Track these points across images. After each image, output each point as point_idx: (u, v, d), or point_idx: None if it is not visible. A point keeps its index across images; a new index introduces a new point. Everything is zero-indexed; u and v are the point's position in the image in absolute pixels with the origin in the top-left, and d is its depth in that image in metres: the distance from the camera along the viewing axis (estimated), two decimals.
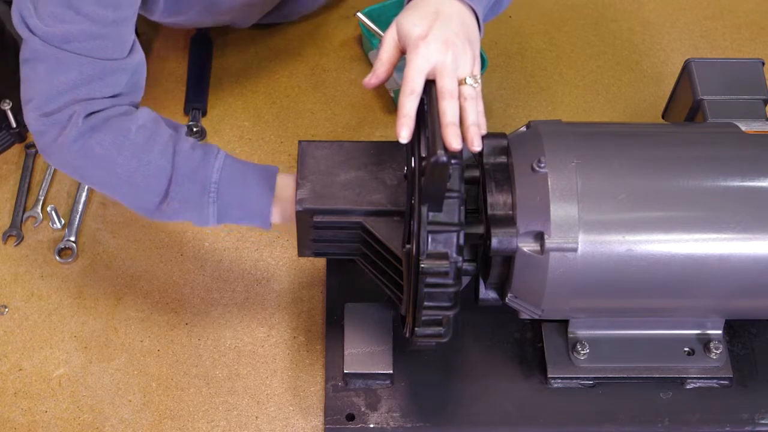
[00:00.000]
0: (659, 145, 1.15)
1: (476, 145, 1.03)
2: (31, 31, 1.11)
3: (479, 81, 1.06)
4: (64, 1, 1.10)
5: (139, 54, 1.17)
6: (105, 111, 1.14)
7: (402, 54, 1.09)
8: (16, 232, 1.41)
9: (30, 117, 1.14)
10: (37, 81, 1.13)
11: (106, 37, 1.12)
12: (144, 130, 1.14)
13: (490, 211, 1.10)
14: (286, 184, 1.15)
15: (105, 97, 1.14)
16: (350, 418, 1.22)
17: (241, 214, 1.17)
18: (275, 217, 1.17)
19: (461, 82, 1.05)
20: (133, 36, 1.16)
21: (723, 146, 1.16)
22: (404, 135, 1.02)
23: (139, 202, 1.17)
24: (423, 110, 1.04)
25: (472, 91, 1.05)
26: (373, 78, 1.09)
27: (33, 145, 1.48)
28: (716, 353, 1.22)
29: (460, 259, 1.03)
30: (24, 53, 1.13)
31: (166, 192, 1.14)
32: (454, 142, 0.99)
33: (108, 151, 1.13)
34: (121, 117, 1.14)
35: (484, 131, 1.06)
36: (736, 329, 1.28)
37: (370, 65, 1.58)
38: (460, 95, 1.04)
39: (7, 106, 1.44)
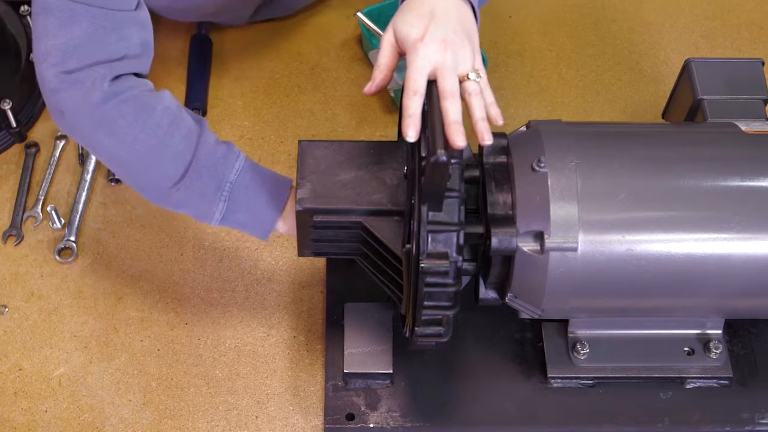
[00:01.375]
0: (659, 145, 1.15)
1: (487, 139, 1.02)
2: None
3: (482, 75, 1.06)
4: None
5: (146, 10, 1.16)
6: (131, 81, 1.13)
7: (401, 56, 1.09)
8: (16, 231, 1.41)
9: (48, 73, 1.11)
10: (51, 36, 1.10)
11: None
12: (168, 112, 1.14)
13: (490, 211, 1.10)
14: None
15: (122, 57, 1.12)
16: (350, 417, 1.22)
17: (246, 220, 1.17)
18: (280, 227, 1.18)
19: (464, 79, 1.04)
20: None
21: (723, 146, 1.16)
22: (411, 135, 1.01)
23: (150, 183, 1.16)
24: (423, 110, 1.04)
25: (476, 86, 1.04)
26: (373, 86, 1.09)
27: (33, 145, 1.48)
28: (716, 353, 1.22)
29: (460, 258, 1.03)
30: (35, 6, 1.12)
31: (180, 178, 1.14)
32: (459, 140, 0.99)
33: (130, 125, 1.12)
34: (149, 93, 1.14)
35: (500, 121, 1.06)
36: (736, 329, 1.28)
37: (370, 65, 1.58)
38: (464, 91, 1.04)
39: (7, 105, 1.44)
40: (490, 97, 1.07)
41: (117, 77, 1.12)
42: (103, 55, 1.11)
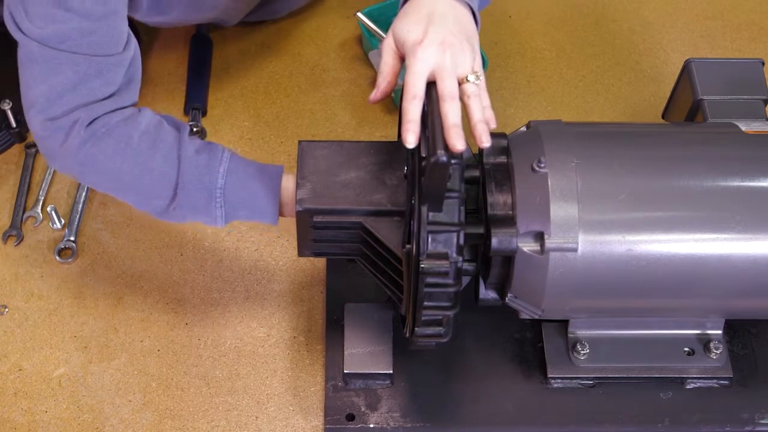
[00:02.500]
0: (659, 145, 1.15)
1: (485, 141, 1.03)
2: (24, 34, 1.11)
3: (481, 77, 1.06)
4: (53, 0, 1.09)
5: (134, 45, 1.17)
6: (107, 117, 1.14)
7: (402, 61, 1.09)
8: (16, 232, 1.41)
9: (34, 122, 1.14)
10: (36, 84, 1.13)
11: (99, 31, 1.11)
12: (147, 136, 1.14)
13: (490, 211, 1.10)
14: (289, 184, 1.16)
15: (105, 98, 1.14)
16: (350, 418, 1.22)
17: (249, 214, 1.17)
18: (286, 213, 1.18)
19: (463, 81, 1.04)
20: (126, 29, 1.16)
21: (723, 146, 1.16)
22: (411, 140, 1.02)
23: (146, 206, 1.18)
24: (423, 111, 1.04)
25: (475, 89, 1.05)
26: (378, 93, 1.10)
27: (33, 145, 1.48)
28: (716, 353, 1.22)
29: (460, 259, 1.03)
30: (20, 56, 1.13)
31: (172, 197, 1.15)
32: (458, 144, 0.99)
33: (111, 159, 1.14)
34: (124, 123, 1.14)
35: (493, 125, 1.06)
36: (736, 329, 1.28)
37: (370, 65, 1.58)
38: (463, 94, 1.04)
39: (7, 106, 1.44)
40: (486, 100, 1.07)
41: (96, 118, 1.13)
42: (86, 99, 1.12)
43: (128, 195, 1.17)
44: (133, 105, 1.18)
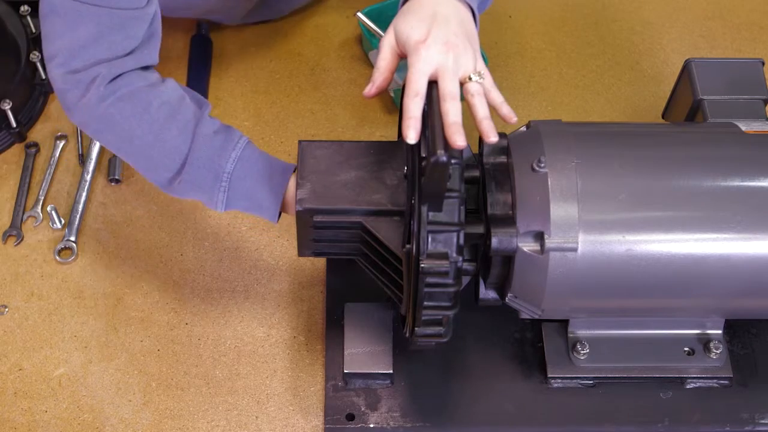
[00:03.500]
0: (659, 145, 1.15)
1: (492, 137, 1.03)
2: None
3: (483, 75, 1.06)
4: None
5: (156, 3, 1.17)
6: (131, 77, 1.14)
7: (401, 58, 1.09)
8: (16, 232, 1.41)
9: (55, 74, 1.14)
10: (58, 36, 1.12)
11: None
12: (166, 106, 1.14)
13: (490, 211, 1.10)
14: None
15: (127, 54, 1.14)
16: (350, 418, 1.22)
17: (249, 205, 1.18)
18: (290, 211, 1.18)
19: (465, 80, 1.04)
20: None
21: (723, 146, 1.16)
22: (412, 136, 1.02)
23: (152, 175, 1.18)
24: (424, 111, 1.04)
25: (478, 87, 1.05)
26: (373, 88, 1.09)
27: (33, 145, 1.48)
28: (716, 353, 1.22)
29: (460, 259, 1.03)
30: (42, 8, 1.13)
31: (179, 171, 1.15)
32: (459, 140, 0.99)
33: (127, 121, 1.14)
34: (147, 89, 1.15)
35: (514, 119, 1.06)
36: (736, 329, 1.28)
37: (370, 65, 1.58)
38: (466, 92, 1.04)
39: (7, 106, 1.44)
40: (499, 97, 1.07)
41: (118, 75, 1.13)
42: (108, 54, 1.12)
43: (138, 161, 1.18)
44: (154, 66, 1.18)
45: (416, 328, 1.08)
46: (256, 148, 1.18)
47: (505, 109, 1.07)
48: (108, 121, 1.14)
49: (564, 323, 1.24)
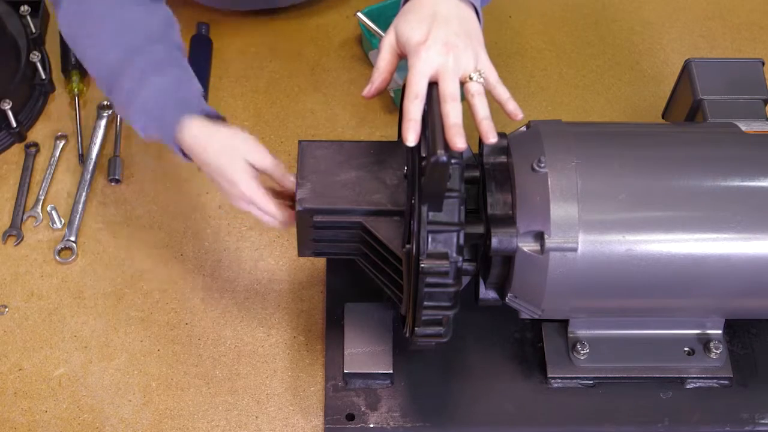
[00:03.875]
0: (659, 145, 1.15)
1: (491, 137, 1.03)
2: None
3: (486, 74, 1.05)
4: None
5: None
6: None
7: (401, 59, 1.09)
8: (16, 232, 1.40)
9: None
10: None
11: None
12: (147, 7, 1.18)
13: (490, 211, 1.10)
14: (195, 131, 1.16)
15: None
16: (350, 418, 1.22)
17: (146, 119, 1.18)
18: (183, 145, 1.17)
19: (465, 80, 1.04)
20: None
21: (723, 146, 1.16)
22: (411, 139, 1.01)
23: (101, 60, 1.20)
24: (424, 112, 1.04)
25: (479, 87, 1.04)
26: (372, 88, 1.09)
27: (33, 145, 1.48)
28: (716, 353, 1.22)
29: (460, 258, 1.03)
30: None
31: (123, 59, 1.16)
32: (459, 142, 0.99)
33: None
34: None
35: (520, 115, 1.06)
36: (736, 329, 1.28)
37: (370, 65, 1.58)
38: (467, 92, 1.04)
39: (7, 106, 1.44)
40: (505, 93, 1.07)
41: None
42: None
43: (93, 42, 1.19)
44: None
45: (416, 328, 1.08)
46: (190, 90, 1.20)
47: (511, 106, 1.07)
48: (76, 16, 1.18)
49: (564, 323, 1.24)
